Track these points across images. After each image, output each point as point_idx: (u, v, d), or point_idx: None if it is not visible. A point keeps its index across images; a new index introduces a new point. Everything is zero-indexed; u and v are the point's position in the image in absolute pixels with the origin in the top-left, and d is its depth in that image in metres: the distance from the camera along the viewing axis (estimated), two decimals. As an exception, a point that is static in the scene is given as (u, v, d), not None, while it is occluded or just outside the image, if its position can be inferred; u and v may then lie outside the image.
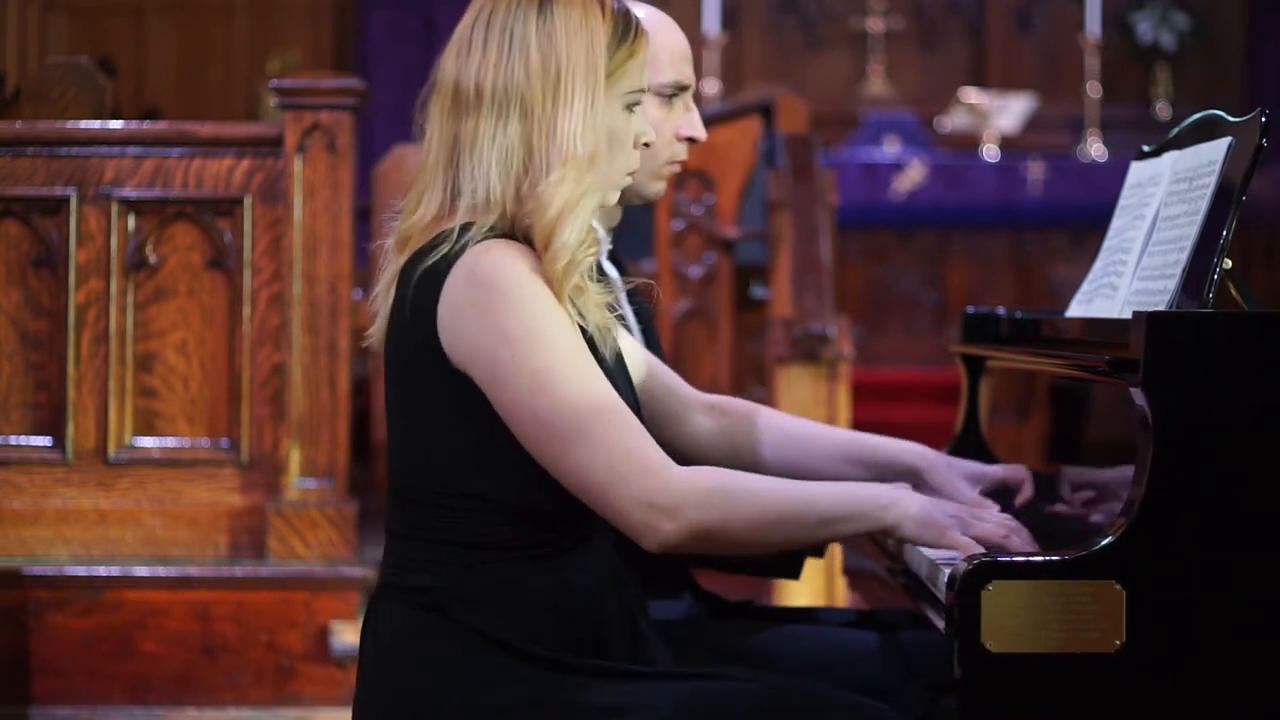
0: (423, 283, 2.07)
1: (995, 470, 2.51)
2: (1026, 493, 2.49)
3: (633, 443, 2.03)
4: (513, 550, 2.10)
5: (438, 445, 2.10)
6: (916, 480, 2.47)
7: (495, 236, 2.09)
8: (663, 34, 2.61)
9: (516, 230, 2.11)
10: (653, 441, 2.06)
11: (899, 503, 2.11)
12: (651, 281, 2.43)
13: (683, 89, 2.63)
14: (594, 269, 2.16)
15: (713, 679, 2.12)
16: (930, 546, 2.15)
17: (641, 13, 2.59)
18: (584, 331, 2.11)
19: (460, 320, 2.04)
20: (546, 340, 2.03)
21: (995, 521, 2.16)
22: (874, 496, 2.11)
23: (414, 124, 2.24)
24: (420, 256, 2.10)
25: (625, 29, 2.17)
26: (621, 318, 2.56)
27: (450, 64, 2.16)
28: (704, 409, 2.57)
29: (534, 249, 2.09)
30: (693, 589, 2.66)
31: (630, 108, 2.18)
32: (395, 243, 2.18)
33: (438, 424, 2.10)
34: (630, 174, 2.22)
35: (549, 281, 2.07)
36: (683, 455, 2.52)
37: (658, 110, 2.59)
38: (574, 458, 2.02)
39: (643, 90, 2.20)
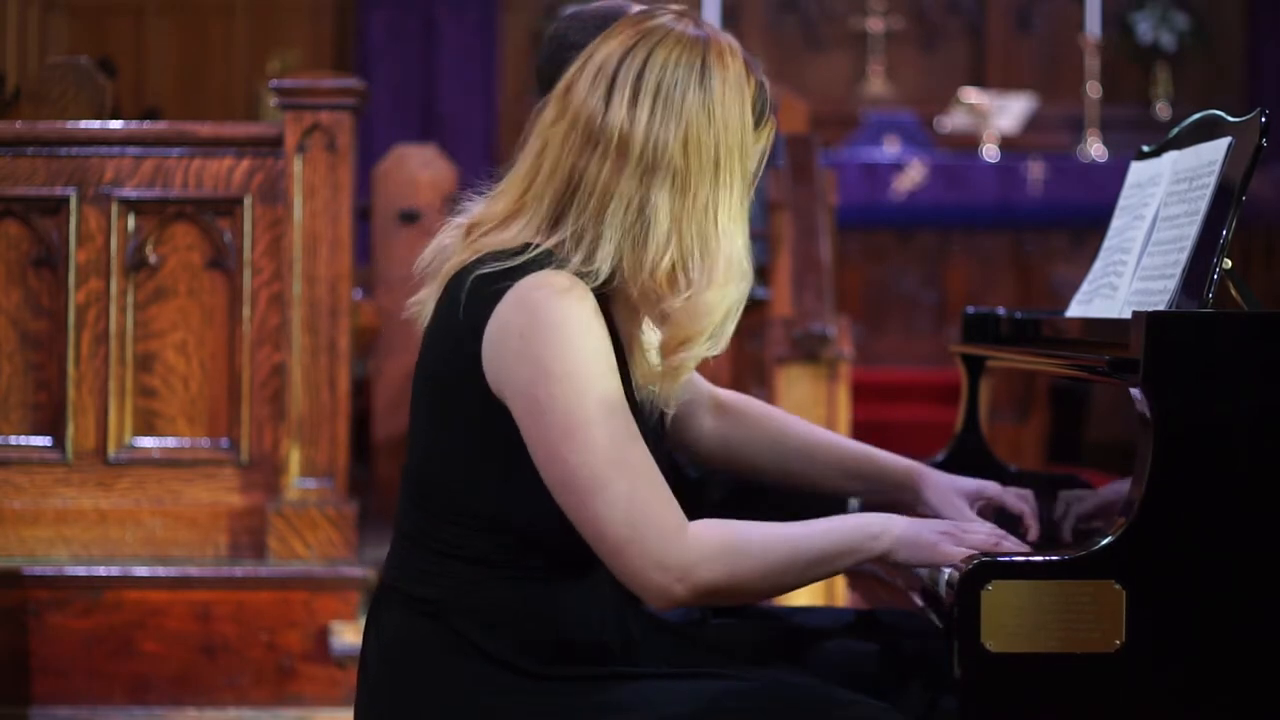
0: (482, 293, 2.01)
1: (994, 488, 2.46)
2: (1028, 524, 2.43)
3: (654, 503, 2.00)
4: (518, 570, 2.09)
5: (459, 461, 2.08)
6: (914, 494, 2.46)
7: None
8: None
9: (622, 291, 2.05)
10: (673, 500, 2.03)
11: (889, 529, 2.10)
12: None
13: None
14: None
15: (712, 678, 2.12)
16: (926, 566, 2.15)
17: None
18: (628, 377, 2.07)
19: (505, 344, 2.00)
20: (586, 386, 1.98)
21: (985, 532, 2.15)
22: (864, 528, 2.10)
23: (525, 127, 2.13)
24: (485, 264, 2.03)
25: (764, 105, 2.10)
26: None
27: (584, 90, 2.05)
28: (712, 408, 2.54)
29: (583, 280, 2.02)
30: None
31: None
32: (467, 237, 2.09)
33: (462, 441, 2.07)
34: None
35: (667, 369, 2.05)
36: (681, 451, 2.51)
37: None
38: (594, 508, 1.99)
39: (759, 173, 2.12)
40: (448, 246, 2.13)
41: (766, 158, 2.13)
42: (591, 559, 2.10)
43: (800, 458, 2.50)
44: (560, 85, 2.11)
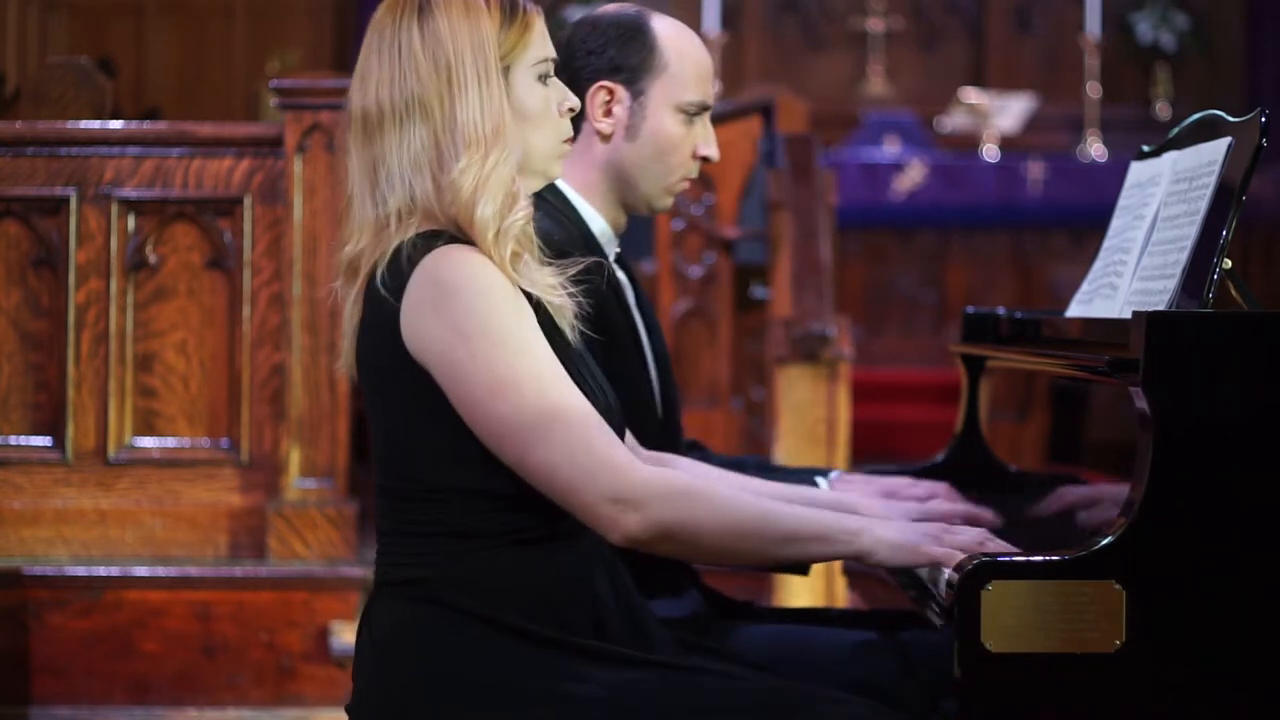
0: (386, 287, 2.11)
1: (939, 507, 2.50)
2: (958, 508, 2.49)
3: (596, 441, 2.05)
4: (500, 537, 2.12)
5: (411, 441, 2.13)
6: None
7: (447, 240, 2.12)
8: (692, 52, 2.60)
9: (450, 226, 2.14)
10: (616, 439, 2.08)
11: (870, 528, 2.12)
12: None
13: (705, 109, 2.62)
14: (533, 246, 2.17)
15: (712, 674, 2.13)
16: (908, 566, 2.15)
17: (670, 27, 2.59)
18: (540, 309, 2.13)
19: (421, 319, 2.08)
20: (505, 340, 2.06)
21: (969, 534, 2.16)
22: (843, 522, 2.12)
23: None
24: (381, 269, 2.13)
25: (512, 9, 2.19)
26: (634, 325, 2.56)
27: (355, 95, 2.20)
28: (648, 462, 2.56)
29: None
30: (696, 587, 2.66)
31: (543, 79, 2.21)
32: (344, 273, 2.21)
33: (408, 421, 2.13)
34: (567, 140, 2.24)
35: (491, 261, 2.10)
36: None
37: (679, 128, 2.59)
38: (537, 458, 2.05)
39: (550, 59, 2.22)
40: (348, 299, 2.21)
41: (538, 37, 2.21)
42: (573, 523, 2.12)
43: None
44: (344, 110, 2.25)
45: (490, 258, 2.10)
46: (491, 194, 2.12)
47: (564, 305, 2.16)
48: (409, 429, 2.13)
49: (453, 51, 2.15)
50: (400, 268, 2.11)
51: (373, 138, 2.17)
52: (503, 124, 2.15)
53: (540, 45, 2.21)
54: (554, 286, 2.15)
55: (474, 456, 2.10)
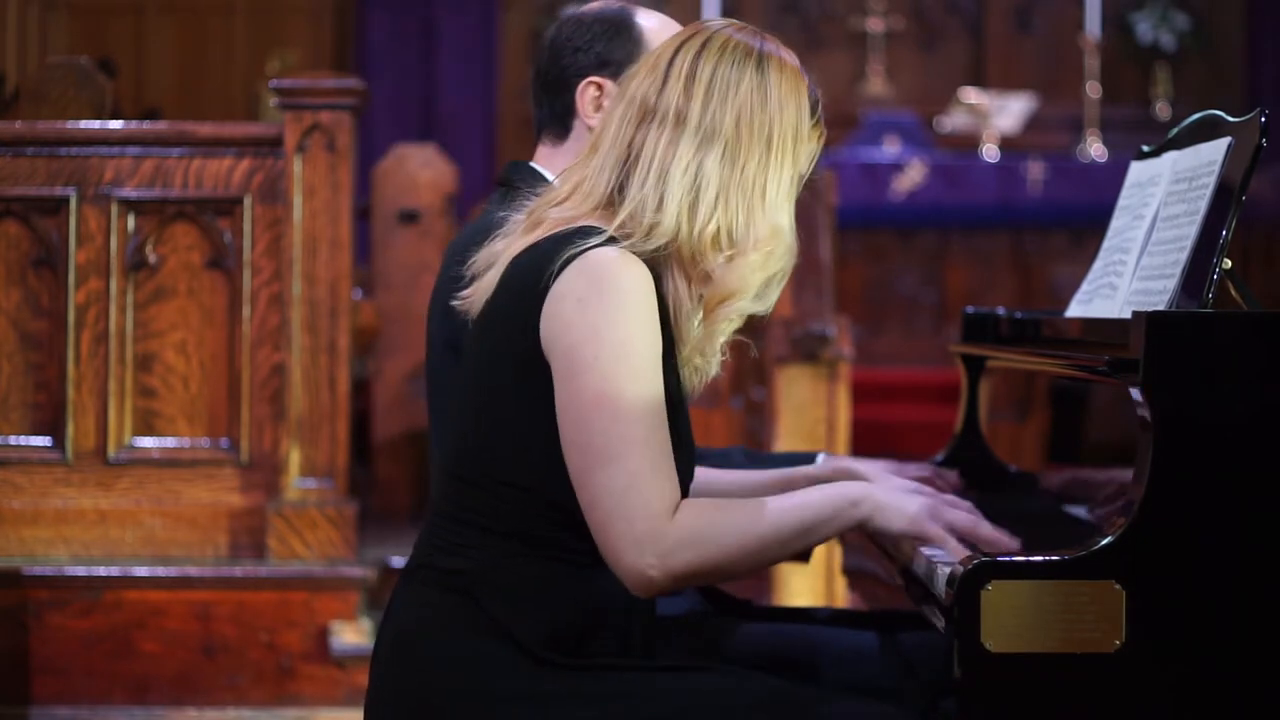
0: (548, 264, 2.07)
1: (930, 490, 2.48)
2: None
3: (654, 486, 2.03)
4: (551, 549, 2.11)
5: (504, 432, 2.11)
6: None
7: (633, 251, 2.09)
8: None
9: (674, 255, 2.11)
10: (673, 484, 2.06)
11: (870, 496, 2.13)
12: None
13: None
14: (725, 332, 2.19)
15: (713, 674, 2.13)
16: (905, 533, 2.14)
17: (654, 20, 2.59)
18: (676, 362, 2.12)
19: (562, 308, 2.05)
20: (630, 358, 2.04)
21: (965, 509, 2.18)
22: (844, 494, 2.13)
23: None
24: (558, 243, 2.08)
25: (814, 111, 2.19)
26: None
27: (644, 78, 2.15)
28: None
29: (647, 266, 2.08)
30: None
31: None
32: (529, 221, 2.17)
33: (511, 411, 2.10)
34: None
35: (708, 328, 2.13)
36: None
37: None
38: (597, 476, 2.03)
39: (804, 177, 2.21)
40: (506, 240, 2.18)
41: (815, 148, 2.22)
42: None
43: (741, 495, 2.51)
44: (623, 79, 2.21)
45: (705, 322, 2.11)
46: (775, 292, 2.14)
47: (708, 369, 2.16)
48: (501, 416, 2.11)
49: (779, 121, 2.13)
50: (567, 253, 2.06)
51: (646, 128, 2.12)
52: (792, 225, 2.16)
53: (808, 160, 2.20)
54: (713, 348, 2.15)
55: (552, 461, 2.08)
